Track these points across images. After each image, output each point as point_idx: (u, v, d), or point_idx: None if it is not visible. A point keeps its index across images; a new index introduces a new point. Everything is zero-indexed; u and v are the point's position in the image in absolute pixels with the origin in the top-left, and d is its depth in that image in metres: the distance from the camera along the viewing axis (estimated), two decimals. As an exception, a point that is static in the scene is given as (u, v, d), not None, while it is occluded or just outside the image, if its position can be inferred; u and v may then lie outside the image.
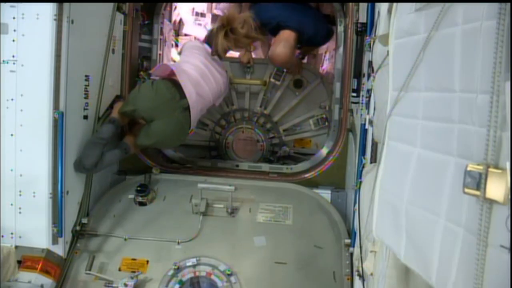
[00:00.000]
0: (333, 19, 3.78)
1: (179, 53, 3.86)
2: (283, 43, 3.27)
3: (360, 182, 2.25)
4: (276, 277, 2.75)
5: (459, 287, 1.02)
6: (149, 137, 3.11)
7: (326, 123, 3.87)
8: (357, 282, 2.31)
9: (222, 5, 5.26)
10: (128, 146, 3.19)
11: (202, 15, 5.29)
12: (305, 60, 4.51)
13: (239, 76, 3.96)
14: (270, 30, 3.49)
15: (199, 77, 3.20)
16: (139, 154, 3.56)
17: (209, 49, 3.46)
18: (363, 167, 2.39)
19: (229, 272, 2.72)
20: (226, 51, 3.54)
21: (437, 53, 1.18)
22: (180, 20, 5.27)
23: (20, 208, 2.60)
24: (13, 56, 2.52)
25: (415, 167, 1.27)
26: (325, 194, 3.35)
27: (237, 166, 3.82)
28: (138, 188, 3.19)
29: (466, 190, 0.93)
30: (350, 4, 3.34)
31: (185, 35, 5.27)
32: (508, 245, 0.84)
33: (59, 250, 2.74)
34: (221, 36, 3.30)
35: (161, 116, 3.05)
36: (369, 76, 2.32)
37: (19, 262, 2.62)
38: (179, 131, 3.16)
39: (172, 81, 3.12)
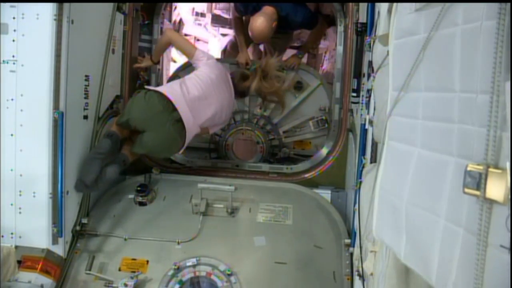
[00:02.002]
0: (333, 19, 3.78)
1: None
2: (261, 15, 3.45)
3: (360, 182, 2.25)
4: (276, 277, 2.75)
5: (459, 287, 1.02)
6: (142, 147, 3.12)
7: (326, 125, 3.86)
8: (357, 282, 2.32)
9: (222, 5, 5.26)
10: (126, 157, 3.17)
11: (202, 15, 5.29)
12: (304, 60, 4.50)
13: (239, 78, 3.96)
14: (251, 11, 3.59)
15: (202, 96, 3.18)
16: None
17: (230, 81, 3.44)
18: (363, 167, 2.39)
19: (229, 272, 2.72)
20: (246, 87, 3.50)
21: (437, 53, 1.18)
22: (180, 20, 5.27)
23: (20, 208, 2.60)
24: (13, 56, 2.52)
25: (415, 167, 1.27)
26: (325, 194, 3.35)
27: (237, 166, 3.81)
28: (138, 188, 3.19)
29: (466, 190, 0.93)
30: (350, 4, 3.35)
31: (185, 35, 5.27)
32: (508, 245, 0.84)
33: (59, 250, 2.74)
34: (259, 77, 3.43)
35: (152, 127, 3.05)
36: (369, 76, 2.32)
37: (19, 262, 2.61)
38: (170, 143, 3.15)
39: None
